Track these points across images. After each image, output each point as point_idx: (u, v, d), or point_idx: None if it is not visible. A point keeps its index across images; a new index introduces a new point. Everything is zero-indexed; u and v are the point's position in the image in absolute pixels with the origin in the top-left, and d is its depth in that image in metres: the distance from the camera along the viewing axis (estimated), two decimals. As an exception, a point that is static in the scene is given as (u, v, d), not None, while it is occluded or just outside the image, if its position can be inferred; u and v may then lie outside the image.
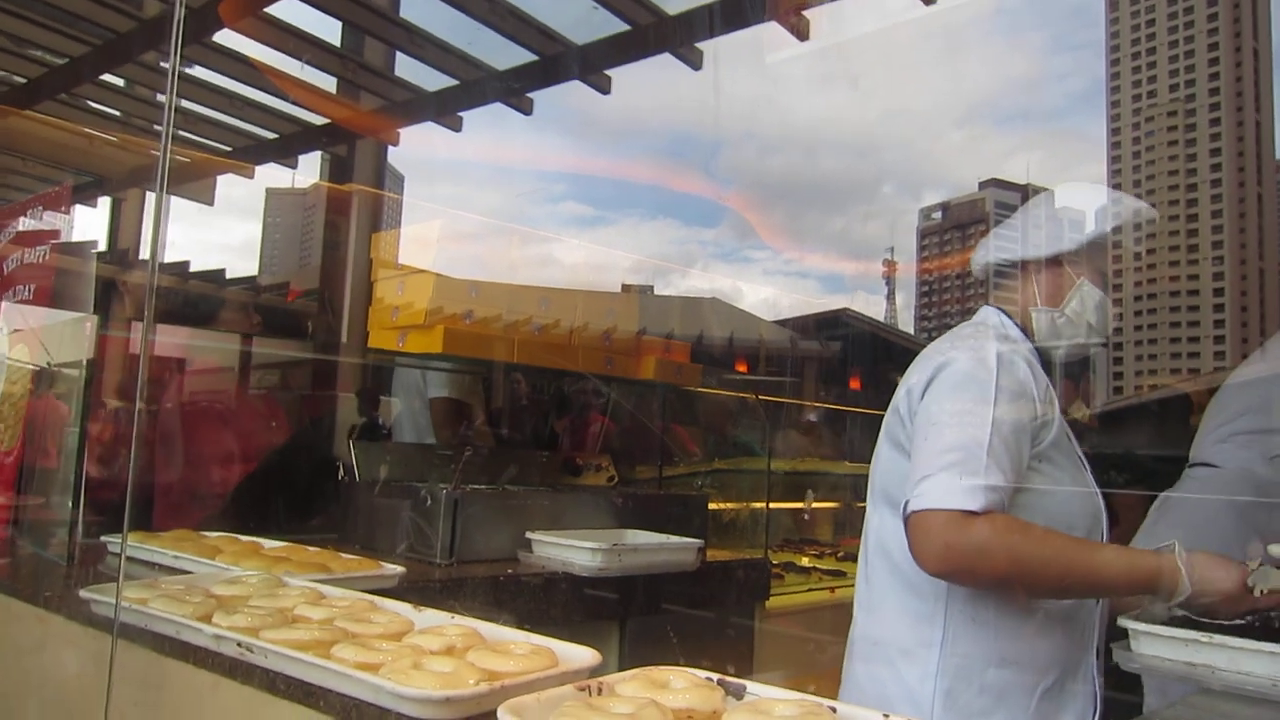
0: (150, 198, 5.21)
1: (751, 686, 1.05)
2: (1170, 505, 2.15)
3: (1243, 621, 1.41)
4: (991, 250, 1.78)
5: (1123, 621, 1.38)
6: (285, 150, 4.71)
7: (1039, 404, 1.54)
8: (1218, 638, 1.29)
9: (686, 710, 0.96)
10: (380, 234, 4.07)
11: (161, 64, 3.81)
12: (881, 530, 1.66)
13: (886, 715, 0.95)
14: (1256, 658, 1.24)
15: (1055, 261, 1.70)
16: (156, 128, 4.48)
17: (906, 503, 1.45)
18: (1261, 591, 1.40)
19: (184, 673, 1.20)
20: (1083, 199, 1.79)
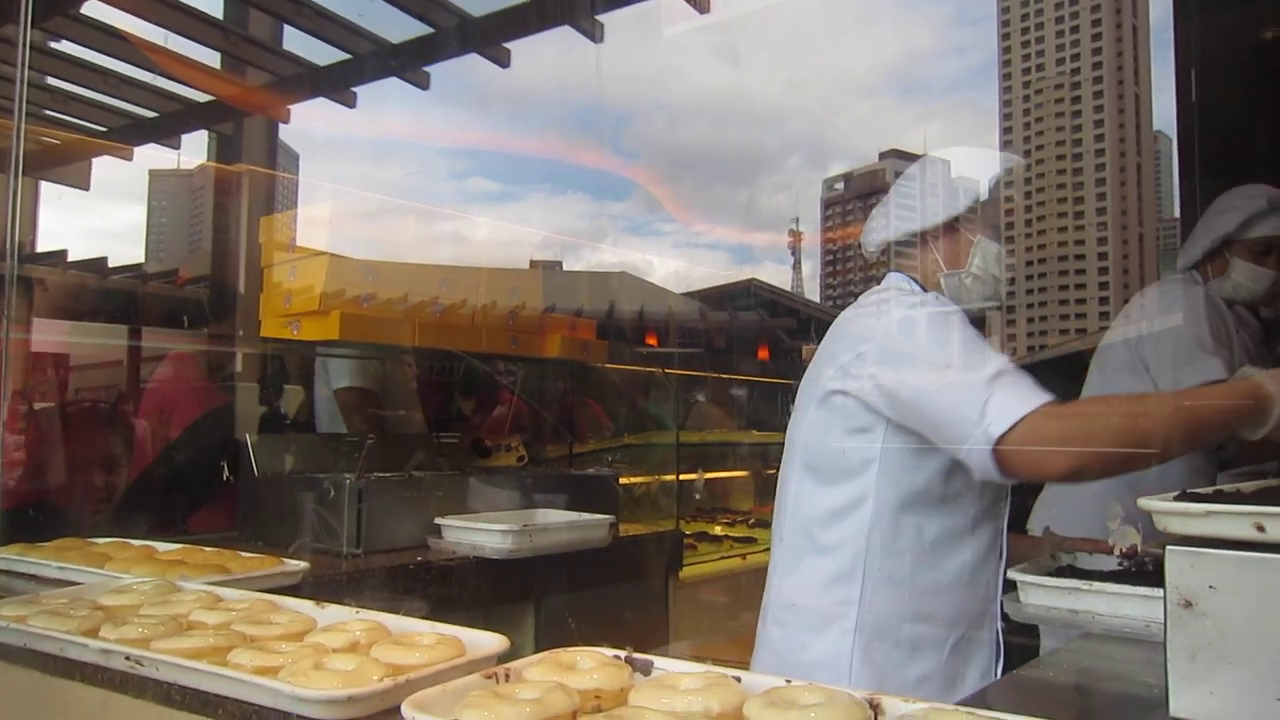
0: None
1: (659, 662, 1.06)
2: None
3: (1119, 568, 1.49)
4: (890, 227, 1.82)
5: (1011, 574, 1.45)
6: (166, 130, 4.49)
7: None
8: (1097, 585, 1.36)
9: (594, 690, 0.97)
10: (271, 216, 3.93)
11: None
12: (800, 495, 1.70)
13: (789, 680, 0.97)
14: (1132, 601, 1.31)
15: (951, 226, 1.76)
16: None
17: (988, 435, 1.42)
18: (1120, 549, 1.50)
19: (71, 692, 1.15)
20: (966, 160, 1.85)
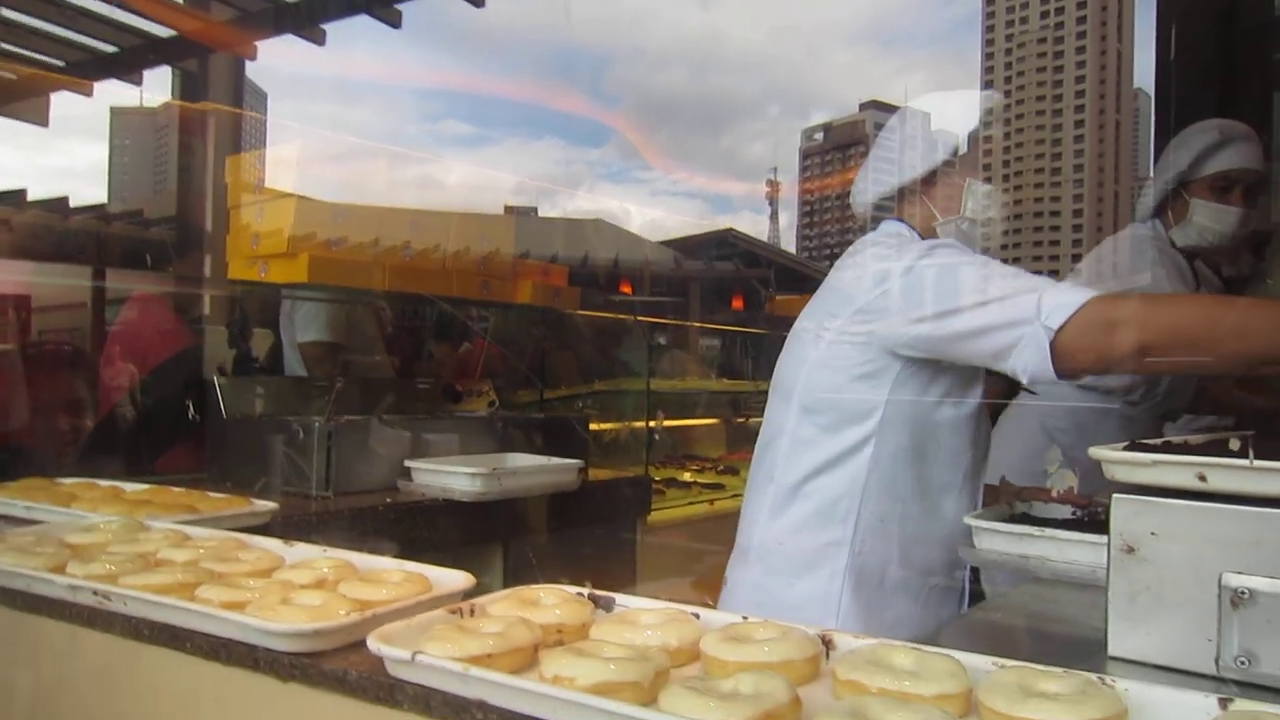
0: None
1: (620, 599, 1.09)
2: (1002, 419, 2.37)
3: (1072, 516, 1.54)
4: (880, 181, 1.81)
5: (966, 520, 1.49)
6: (128, 65, 4.37)
7: None
8: (1049, 531, 1.41)
9: (556, 625, 0.99)
10: (238, 156, 3.87)
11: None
12: (798, 438, 1.70)
13: (746, 617, 1.00)
14: (1081, 547, 1.36)
15: (940, 173, 1.76)
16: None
17: (1046, 328, 1.41)
18: (1058, 491, 1.55)
19: (40, 627, 1.16)
20: (947, 104, 1.86)
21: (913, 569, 1.67)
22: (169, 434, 2.72)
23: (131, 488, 1.88)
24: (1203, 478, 0.98)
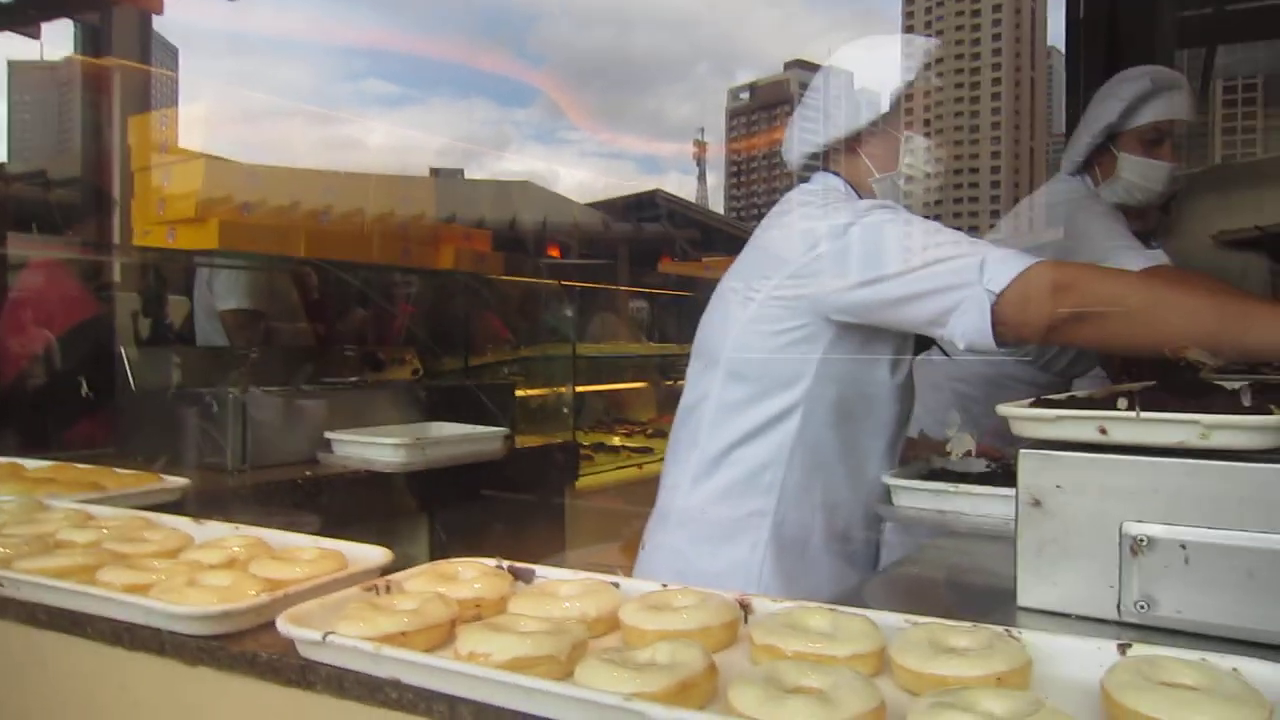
0: None
1: (540, 570, 1.08)
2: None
3: (985, 470, 1.58)
4: (813, 136, 1.74)
5: (884, 478, 1.52)
6: (22, 16, 4.15)
7: None
8: (963, 487, 1.44)
9: (474, 600, 0.98)
10: (144, 115, 3.70)
11: None
12: (723, 403, 1.66)
13: (665, 585, 1.00)
14: (993, 501, 1.40)
15: (877, 126, 1.69)
16: None
17: (988, 291, 1.38)
18: (956, 454, 1.58)
19: (-72, 614, 1.11)
20: (882, 54, 1.75)
21: (835, 535, 1.67)
22: (75, 407, 2.62)
23: (33, 465, 1.80)
24: (1104, 430, 1.01)
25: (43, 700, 1.06)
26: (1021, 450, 1.06)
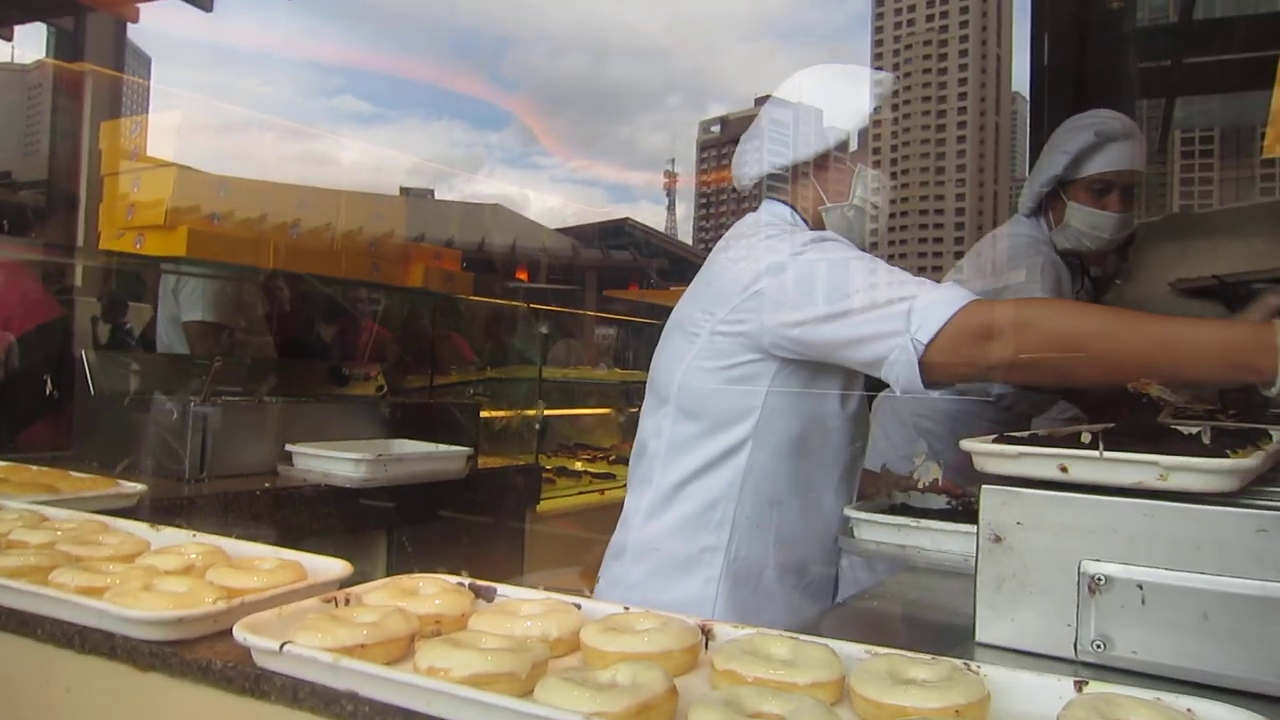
0: None
1: (502, 589, 1.08)
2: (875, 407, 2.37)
3: (946, 507, 1.59)
4: (764, 160, 1.73)
5: (847, 511, 1.53)
6: (-3, 19, 4.12)
7: None
8: (924, 522, 1.46)
9: (434, 615, 0.97)
10: (115, 121, 3.67)
11: None
12: (675, 440, 1.65)
13: (627, 608, 1.00)
14: (954, 537, 1.41)
15: (829, 156, 1.68)
16: None
17: (915, 342, 1.37)
18: (923, 484, 1.60)
19: None
20: (841, 85, 1.74)
21: (790, 568, 1.66)
22: (31, 410, 2.57)
23: (-15, 467, 1.76)
24: (1064, 469, 1.03)
25: (-14, 704, 1.03)
26: (984, 486, 1.07)
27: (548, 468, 3.71)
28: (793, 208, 1.71)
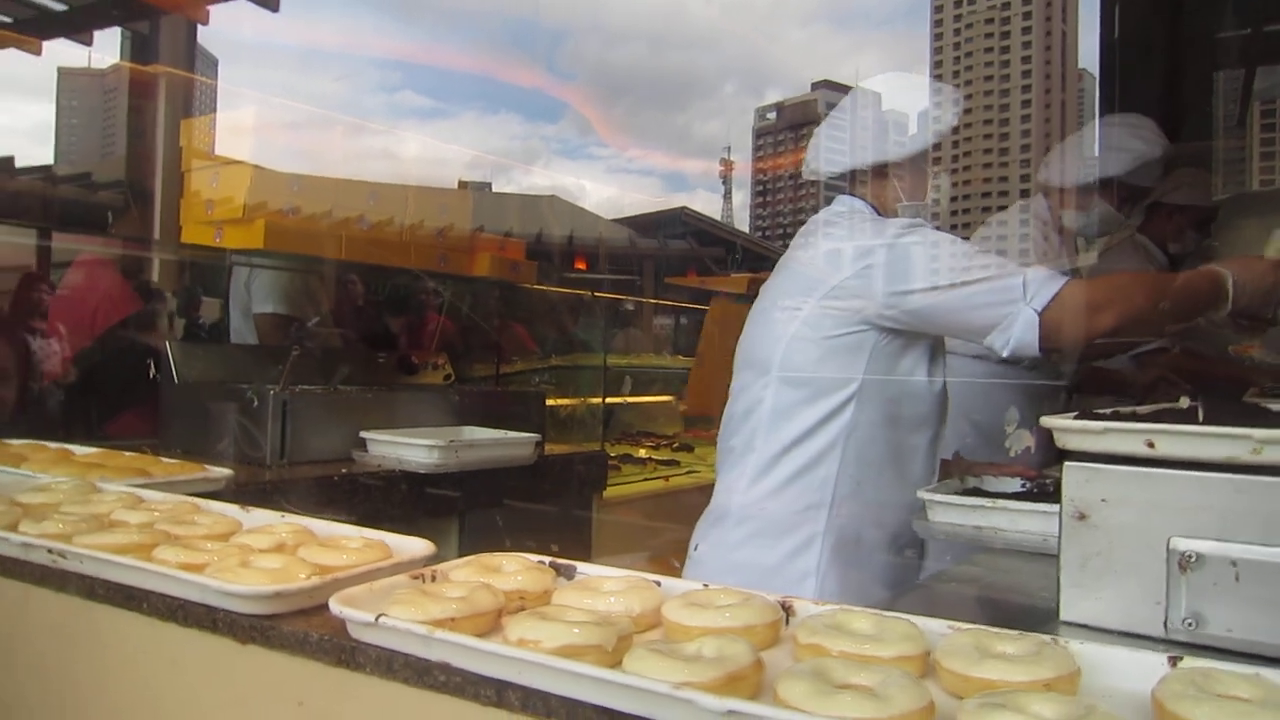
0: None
1: (582, 567, 1.10)
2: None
3: (1021, 489, 1.57)
4: (850, 156, 1.87)
5: (920, 493, 1.52)
6: (77, 24, 4.27)
7: None
8: (1000, 502, 1.44)
9: (518, 592, 1.00)
10: (192, 120, 3.78)
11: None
12: (778, 401, 1.77)
13: (706, 585, 1.01)
14: (1032, 517, 1.39)
15: (920, 158, 1.84)
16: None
17: (1033, 308, 1.57)
18: (1015, 451, 1.63)
19: (-9, 585, 1.14)
20: (918, 94, 1.94)
21: (885, 532, 1.76)
22: (119, 399, 2.67)
23: (81, 450, 1.84)
24: (1151, 444, 1.01)
25: (95, 671, 1.08)
26: (1066, 462, 1.06)
27: (612, 455, 3.73)
28: (868, 202, 1.84)
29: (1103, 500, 1.03)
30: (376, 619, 0.86)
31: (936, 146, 1.88)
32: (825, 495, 1.73)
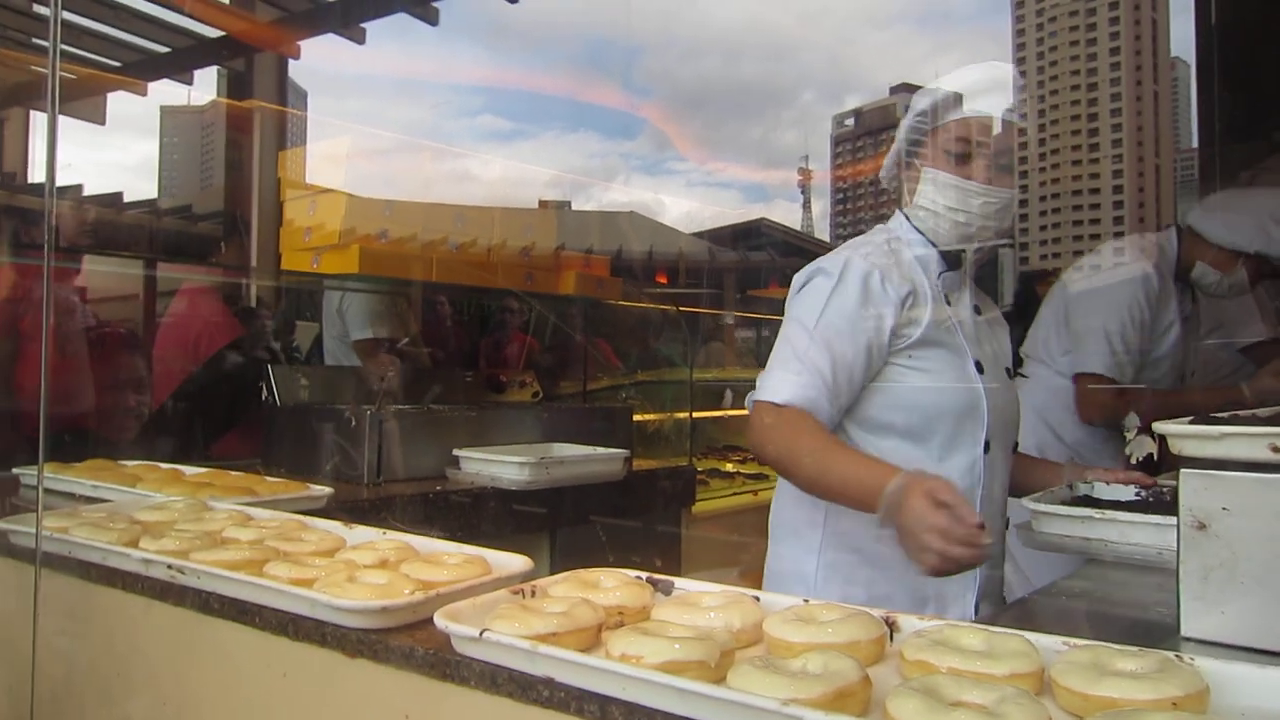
0: (35, 117, 4.91)
1: (679, 583, 1.09)
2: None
3: (1134, 498, 1.51)
4: (899, 157, 1.77)
5: (1026, 503, 1.47)
6: (179, 65, 4.49)
7: (896, 307, 1.57)
8: (1109, 513, 1.38)
9: (618, 607, 1.00)
10: (287, 152, 3.92)
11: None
12: None
13: (806, 600, 0.99)
14: (1144, 529, 1.33)
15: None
16: (36, 42, 4.21)
17: (753, 397, 1.60)
18: (1137, 459, 1.53)
19: (113, 599, 1.19)
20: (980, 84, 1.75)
21: (891, 543, 1.66)
22: (223, 420, 2.77)
23: (191, 470, 1.92)
24: (1276, 449, 0.96)
25: (211, 683, 1.12)
26: (1183, 470, 1.01)
27: (700, 469, 3.72)
28: (906, 215, 1.75)
29: (1223, 509, 0.98)
30: (481, 634, 0.87)
31: (1023, 150, 1.76)
32: (818, 510, 1.65)
